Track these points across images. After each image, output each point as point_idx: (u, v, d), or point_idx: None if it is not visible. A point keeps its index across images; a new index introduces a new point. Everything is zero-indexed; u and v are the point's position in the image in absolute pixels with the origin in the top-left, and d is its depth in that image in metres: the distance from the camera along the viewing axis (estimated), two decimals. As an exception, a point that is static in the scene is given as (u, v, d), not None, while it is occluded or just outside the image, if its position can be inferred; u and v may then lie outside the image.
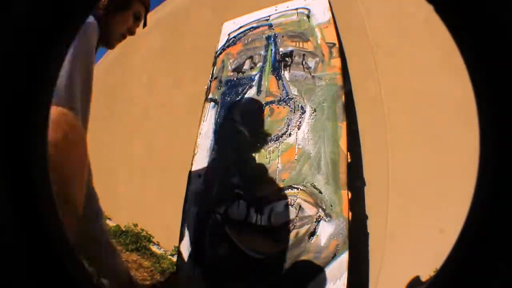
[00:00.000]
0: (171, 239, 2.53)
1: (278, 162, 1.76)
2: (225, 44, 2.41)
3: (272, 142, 1.83)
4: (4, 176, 0.42)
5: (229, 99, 2.15)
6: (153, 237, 2.85)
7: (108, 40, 1.18)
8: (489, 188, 0.43)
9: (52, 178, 0.47)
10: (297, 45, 1.98)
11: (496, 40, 0.38)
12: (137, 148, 3.46)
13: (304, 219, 1.58)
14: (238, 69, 2.22)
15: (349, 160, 1.59)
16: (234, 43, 2.37)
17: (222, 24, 2.52)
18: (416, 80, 1.67)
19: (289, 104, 1.86)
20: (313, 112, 1.75)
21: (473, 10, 0.39)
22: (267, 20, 2.26)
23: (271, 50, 2.10)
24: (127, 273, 1.41)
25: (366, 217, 1.62)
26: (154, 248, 2.72)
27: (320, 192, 1.58)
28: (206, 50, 2.63)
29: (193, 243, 1.91)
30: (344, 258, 1.41)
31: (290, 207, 1.64)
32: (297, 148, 1.73)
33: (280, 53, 2.04)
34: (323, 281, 1.42)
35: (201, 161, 2.09)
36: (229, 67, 2.29)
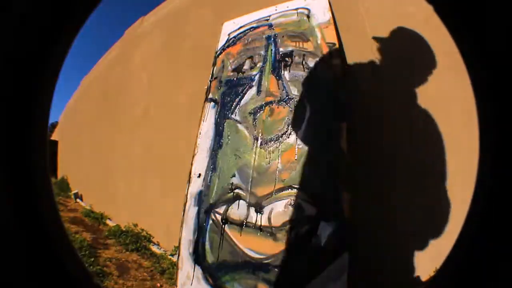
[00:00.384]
0: (171, 239, 2.53)
1: (278, 162, 1.76)
2: (225, 44, 2.41)
3: (272, 142, 1.83)
4: (4, 177, 0.42)
5: (229, 99, 2.15)
6: (153, 237, 2.85)
7: None
8: (489, 188, 0.43)
9: None
10: (297, 45, 1.98)
11: (496, 40, 0.38)
12: (137, 148, 3.46)
13: (304, 219, 1.58)
14: (238, 69, 2.22)
15: (349, 160, 1.59)
16: (234, 43, 2.37)
17: (222, 24, 2.52)
18: (416, 80, 1.67)
19: (289, 104, 1.85)
20: (313, 112, 1.75)
21: (473, 10, 0.39)
22: (267, 20, 2.26)
23: (271, 50, 2.10)
24: None
25: (366, 217, 1.62)
26: (154, 248, 2.72)
27: (320, 192, 1.58)
28: (206, 50, 2.63)
29: (193, 243, 1.91)
30: (344, 258, 1.41)
31: (290, 207, 1.64)
32: (297, 148, 1.73)
33: (280, 53, 2.04)
34: (323, 281, 1.42)
35: (201, 161, 2.09)
36: (229, 67, 2.29)
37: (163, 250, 2.67)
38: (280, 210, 1.66)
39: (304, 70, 1.88)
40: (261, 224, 1.69)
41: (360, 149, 1.73)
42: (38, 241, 0.44)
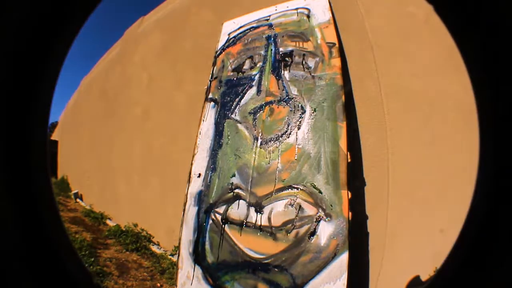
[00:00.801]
0: (171, 239, 2.53)
1: (278, 162, 1.76)
2: (225, 44, 2.41)
3: (272, 142, 1.83)
4: (5, 177, 0.42)
5: (229, 99, 2.15)
6: (153, 237, 2.85)
7: None
8: (489, 188, 0.43)
9: None
10: (297, 45, 1.98)
11: (496, 40, 0.38)
12: (137, 148, 3.46)
13: (304, 219, 1.58)
14: (238, 69, 2.22)
15: (349, 160, 1.59)
16: (234, 43, 2.37)
17: (222, 24, 2.52)
18: (416, 80, 1.67)
19: (289, 104, 1.85)
20: (313, 112, 1.75)
21: (473, 10, 0.39)
22: (267, 20, 2.26)
23: (271, 50, 2.10)
24: None
25: (366, 217, 1.62)
26: (154, 248, 2.72)
27: (320, 192, 1.58)
28: (206, 50, 2.63)
29: (193, 243, 1.91)
30: (344, 258, 1.41)
31: (290, 207, 1.64)
32: (297, 148, 1.73)
33: (280, 53, 2.04)
34: (323, 281, 1.42)
35: (201, 161, 2.09)
36: (229, 67, 2.29)
37: (163, 250, 2.67)
38: (280, 210, 1.66)
39: (304, 70, 1.88)
40: (261, 224, 1.69)
41: (360, 149, 1.73)
42: (38, 241, 0.44)
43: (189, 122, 2.48)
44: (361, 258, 1.55)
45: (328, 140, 1.65)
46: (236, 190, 1.85)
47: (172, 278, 2.23)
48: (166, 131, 3.05)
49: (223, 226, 1.83)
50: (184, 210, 2.04)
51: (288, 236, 1.59)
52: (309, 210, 1.59)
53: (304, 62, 1.90)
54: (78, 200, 4.11)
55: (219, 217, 1.86)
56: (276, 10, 2.25)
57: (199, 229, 1.92)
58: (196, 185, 2.05)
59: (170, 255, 2.54)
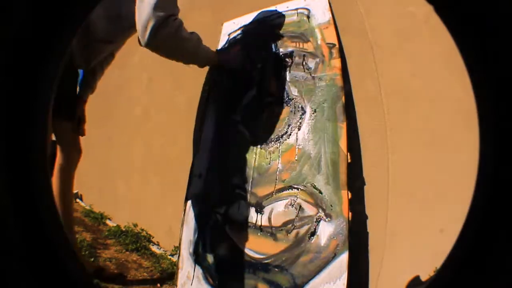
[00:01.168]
0: (171, 239, 2.53)
1: (278, 163, 1.76)
2: (225, 44, 2.40)
3: (272, 143, 1.83)
4: (5, 177, 0.42)
5: (229, 99, 2.15)
6: (153, 237, 2.85)
7: None
8: (489, 188, 0.43)
9: None
10: (297, 46, 1.97)
11: (496, 40, 0.39)
12: (137, 148, 3.46)
13: (304, 219, 1.58)
14: (238, 69, 2.22)
15: (349, 160, 1.59)
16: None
17: (222, 25, 2.52)
18: (416, 80, 1.67)
19: (289, 105, 1.85)
20: (313, 113, 1.75)
21: (473, 10, 0.39)
22: (267, 20, 2.26)
23: (271, 50, 2.10)
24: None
25: (366, 217, 1.62)
26: (154, 248, 2.72)
27: (320, 192, 1.58)
28: (206, 50, 2.62)
29: (193, 243, 1.91)
30: (344, 258, 1.41)
31: (290, 207, 1.64)
32: (297, 149, 1.73)
33: (280, 53, 2.04)
34: (323, 281, 1.42)
35: (201, 161, 2.09)
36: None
37: (163, 250, 2.67)
38: (280, 210, 1.66)
39: (304, 71, 1.88)
40: (261, 224, 1.69)
41: (360, 149, 1.72)
42: (38, 241, 0.44)
43: (189, 122, 2.48)
44: (361, 258, 1.55)
45: (328, 141, 1.65)
46: (237, 191, 1.85)
47: (172, 278, 2.23)
48: (166, 131, 3.05)
49: (224, 226, 1.83)
50: (184, 210, 2.04)
51: (288, 236, 1.59)
52: (309, 210, 1.59)
53: (304, 63, 1.90)
54: (77, 200, 4.11)
55: (219, 218, 1.86)
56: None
57: (200, 230, 1.92)
58: (196, 185, 2.05)
59: (170, 255, 2.54)
